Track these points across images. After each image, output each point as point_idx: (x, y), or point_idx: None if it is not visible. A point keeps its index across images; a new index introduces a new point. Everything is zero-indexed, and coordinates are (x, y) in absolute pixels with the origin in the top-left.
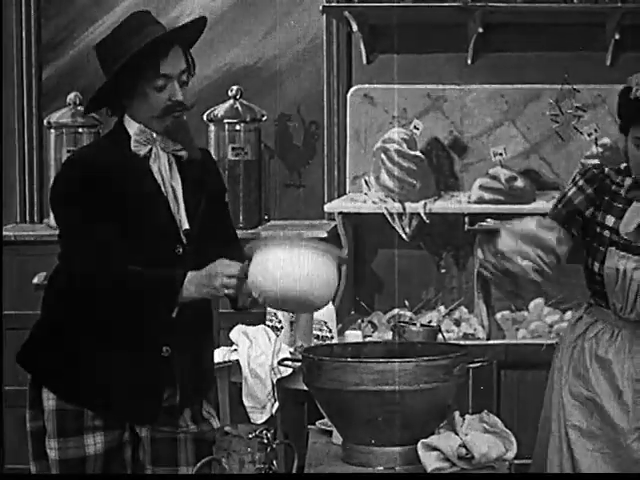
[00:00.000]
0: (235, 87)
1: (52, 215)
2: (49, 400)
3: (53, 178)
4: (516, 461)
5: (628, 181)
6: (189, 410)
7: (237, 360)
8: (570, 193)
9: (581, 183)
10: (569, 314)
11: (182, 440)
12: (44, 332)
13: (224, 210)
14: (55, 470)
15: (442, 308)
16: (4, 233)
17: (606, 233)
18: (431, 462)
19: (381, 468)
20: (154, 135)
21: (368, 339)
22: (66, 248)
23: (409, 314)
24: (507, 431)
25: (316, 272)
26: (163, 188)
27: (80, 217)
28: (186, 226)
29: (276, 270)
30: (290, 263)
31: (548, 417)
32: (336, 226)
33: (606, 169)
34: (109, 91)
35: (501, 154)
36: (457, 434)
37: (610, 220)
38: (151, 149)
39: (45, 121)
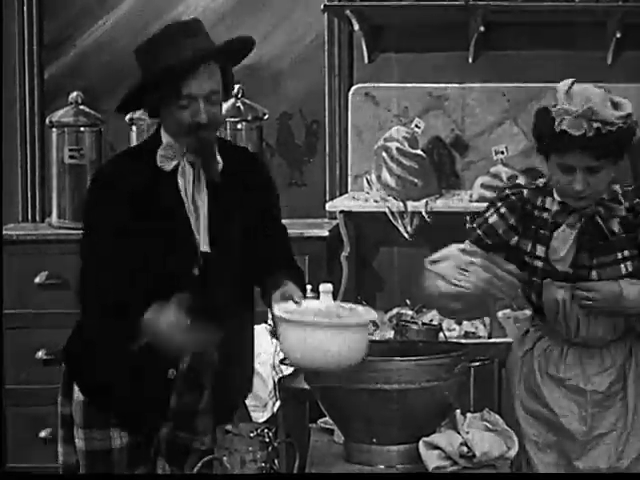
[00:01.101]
0: (237, 86)
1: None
2: (78, 392)
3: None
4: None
5: (553, 205)
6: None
7: None
8: (492, 220)
9: (503, 211)
10: None
11: (197, 451)
12: (76, 330)
13: (265, 229)
14: (82, 459)
15: None
16: (5, 232)
17: (537, 263)
18: (432, 461)
19: (382, 467)
20: (183, 149)
21: (370, 338)
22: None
23: (410, 313)
24: (508, 429)
25: (350, 349)
26: (186, 204)
27: (99, 237)
28: (205, 248)
29: (312, 351)
30: (326, 345)
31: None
32: (337, 225)
33: (525, 192)
34: (144, 96)
35: (502, 152)
36: (458, 432)
37: (540, 250)
38: (178, 164)
39: (47, 120)
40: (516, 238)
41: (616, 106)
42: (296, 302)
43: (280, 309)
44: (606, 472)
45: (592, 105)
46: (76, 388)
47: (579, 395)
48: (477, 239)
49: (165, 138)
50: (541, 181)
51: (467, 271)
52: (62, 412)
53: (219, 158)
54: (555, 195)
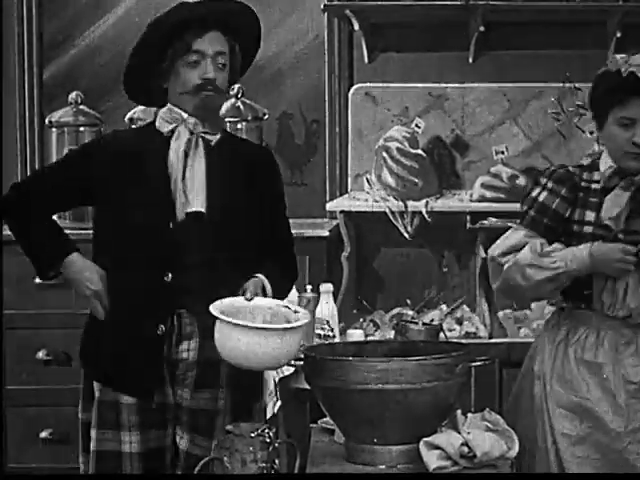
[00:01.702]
0: (237, 86)
1: None
2: (96, 392)
3: None
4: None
5: (605, 171)
6: (229, 417)
7: None
8: (542, 198)
9: (551, 186)
10: None
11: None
12: (84, 329)
13: (265, 205)
14: (92, 462)
15: (444, 307)
16: (5, 232)
17: (587, 229)
18: (433, 461)
19: (383, 467)
20: (183, 115)
21: (370, 338)
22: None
23: (411, 313)
24: (509, 429)
25: (279, 352)
26: (171, 167)
27: (64, 162)
28: (193, 208)
29: (241, 350)
30: (255, 346)
31: (527, 428)
32: (338, 224)
33: (570, 167)
34: (147, 72)
35: (503, 152)
36: (459, 433)
37: (590, 215)
38: (175, 127)
39: (46, 120)
40: (570, 210)
41: None
42: (248, 299)
43: (221, 303)
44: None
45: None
46: (95, 388)
47: (614, 383)
48: (531, 221)
49: (164, 108)
50: (586, 159)
51: (547, 252)
52: (82, 418)
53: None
54: (602, 168)
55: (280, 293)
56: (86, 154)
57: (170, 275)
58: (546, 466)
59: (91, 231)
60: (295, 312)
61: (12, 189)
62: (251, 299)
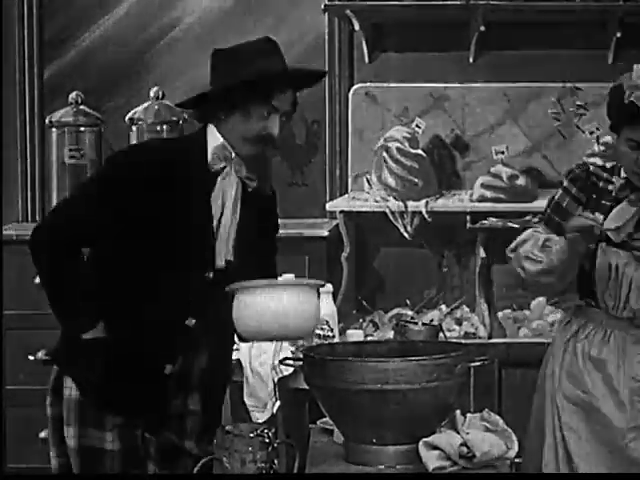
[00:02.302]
0: None
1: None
2: (72, 390)
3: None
4: (517, 460)
5: (619, 180)
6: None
7: (238, 359)
8: (557, 196)
9: (566, 184)
10: None
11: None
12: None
13: (270, 247)
14: (74, 459)
15: (444, 307)
16: (5, 232)
17: (595, 230)
18: (432, 461)
19: (382, 467)
20: (232, 155)
21: (369, 338)
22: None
23: (410, 313)
24: (508, 430)
25: (297, 312)
26: (216, 209)
27: (97, 195)
28: (227, 257)
29: (258, 315)
30: (272, 307)
31: (540, 423)
32: (338, 225)
33: (591, 167)
34: (214, 98)
35: (503, 152)
36: (458, 433)
37: (599, 217)
38: (224, 167)
39: (47, 120)
40: (580, 209)
41: None
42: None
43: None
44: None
45: None
46: (67, 385)
47: (618, 380)
48: (547, 219)
49: (213, 141)
50: (610, 163)
51: (548, 246)
52: (52, 413)
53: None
54: (622, 173)
55: None
56: (119, 178)
57: (194, 321)
58: (554, 461)
59: None
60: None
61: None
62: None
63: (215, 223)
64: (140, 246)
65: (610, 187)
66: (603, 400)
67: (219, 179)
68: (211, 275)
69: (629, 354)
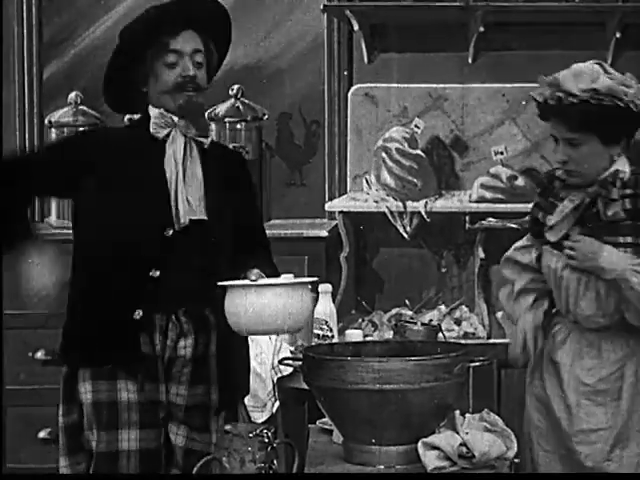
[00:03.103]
0: (236, 86)
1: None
2: (86, 394)
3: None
4: (516, 460)
5: (557, 181)
6: (225, 415)
7: None
8: (531, 206)
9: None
10: None
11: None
12: (67, 319)
13: (248, 207)
14: (89, 463)
15: (443, 307)
16: None
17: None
18: (431, 461)
19: (381, 467)
20: (174, 119)
21: (369, 338)
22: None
23: (410, 313)
24: (507, 430)
25: (289, 309)
26: (170, 172)
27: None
28: (192, 216)
29: (252, 313)
30: (265, 304)
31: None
32: (337, 225)
33: (558, 172)
34: (127, 79)
35: (502, 153)
36: (457, 433)
37: (550, 220)
38: (170, 132)
39: (46, 120)
40: (541, 214)
41: (582, 79)
42: (252, 280)
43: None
44: (591, 472)
45: (559, 76)
46: (83, 390)
47: (568, 383)
48: (529, 229)
49: (154, 112)
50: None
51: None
52: (64, 422)
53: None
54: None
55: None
56: (80, 143)
57: (158, 273)
58: (524, 458)
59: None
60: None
61: None
62: (255, 280)
63: (173, 186)
64: (98, 208)
65: (560, 188)
66: (555, 402)
67: (167, 144)
68: (170, 233)
69: (583, 357)
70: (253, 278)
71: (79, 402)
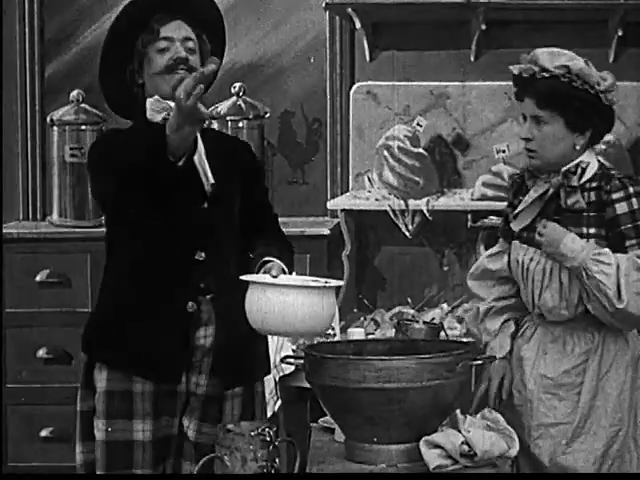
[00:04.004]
0: (238, 84)
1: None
2: (101, 382)
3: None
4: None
5: (523, 172)
6: (238, 403)
7: None
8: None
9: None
10: None
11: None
12: (95, 312)
13: (254, 192)
14: (100, 452)
15: (445, 305)
16: (6, 230)
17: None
18: (433, 459)
19: (383, 465)
20: (170, 104)
21: (371, 337)
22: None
23: (412, 311)
24: (509, 428)
25: (314, 313)
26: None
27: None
28: (208, 187)
29: (275, 313)
30: (291, 306)
31: None
32: (339, 223)
33: (519, 169)
34: (121, 68)
35: (504, 151)
36: (459, 431)
37: (515, 210)
38: (167, 115)
39: (48, 118)
40: (511, 210)
41: (558, 58)
42: (273, 276)
43: (248, 276)
44: (549, 466)
45: (537, 52)
46: (98, 378)
47: (530, 377)
48: (501, 230)
49: (150, 100)
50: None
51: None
52: (81, 407)
53: (202, 107)
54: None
55: (290, 268)
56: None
57: (203, 254)
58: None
59: (93, 229)
60: (326, 282)
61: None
62: (277, 276)
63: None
64: (134, 203)
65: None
66: (518, 396)
67: (167, 126)
68: (206, 205)
69: (547, 352)
70: (274, 274)
71: (94, 389)
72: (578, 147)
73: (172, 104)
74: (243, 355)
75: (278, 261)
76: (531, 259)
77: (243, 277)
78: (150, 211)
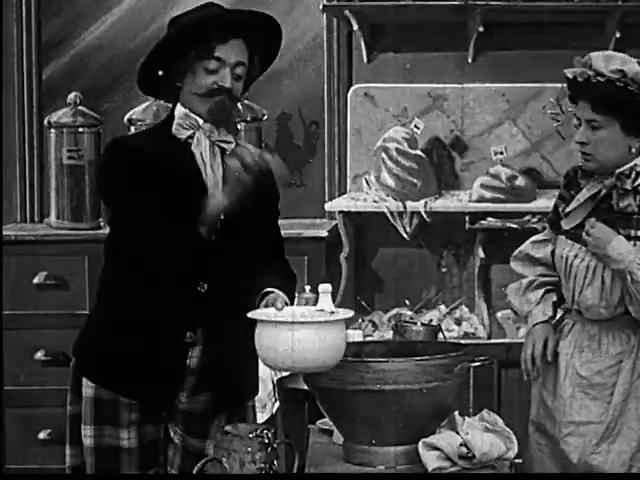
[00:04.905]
0: None
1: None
2: (87, 388)
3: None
4: (517, 460)
5: (574, 171)
6: (224, 417)
7: None
8: (554, 199)
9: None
10: None
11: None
12: (89, 322)
13: (270, 218)
14: (89, 458)
15: (443, 307)
16: (4, 233)
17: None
18: (432, 461)
19: (382, 467)
20: (199, 121)
21: (369, 338)
22: (117, 229)
23: (410, 313)
24: (508, 430)
25: (325, 347)
26: (204, 173)
27: (127, 196)
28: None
29: (289, 351)
30: (303, 342)
31: None
32: (337, 225)
33: (576, 165)
34: (165, 69)
35: (502, 153)
36: (458, 433)
37: (567, 208)
38: (193, 134)
39: (45, 121)
40: (563, 206)
41: (613, 61)
42: (278, 309)
43: (255, 313)
44: (577, 464)
45: (592, 55)
46: (85, 384)
47: (564, 374)
48: (548, 220)
49: (180, 112)
50: None
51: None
52: (70, 411)
53: (230, 138)
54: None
55: (292, 298)
56: (118, 162)
57: (206, 286)
58: (526, 453)
59: (91, 231)
60: (332, 313)
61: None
62: (281, 308)
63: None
64: (139, 218)
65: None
66: (551, 393)
67: (192, 147)
68: (213, 237)
69: (583, 350)
70: (279, 307)
71: (81, 394)
72: (633, 150)
73: (201, 121)
74: (230, 377)
75: (280, 292)
76: (575, 255)
77: (250, 314)
78: (157, 242)
